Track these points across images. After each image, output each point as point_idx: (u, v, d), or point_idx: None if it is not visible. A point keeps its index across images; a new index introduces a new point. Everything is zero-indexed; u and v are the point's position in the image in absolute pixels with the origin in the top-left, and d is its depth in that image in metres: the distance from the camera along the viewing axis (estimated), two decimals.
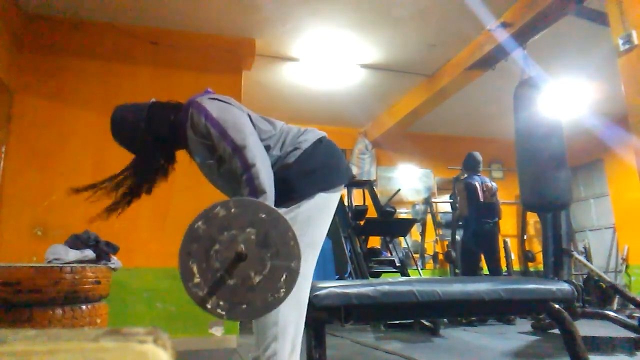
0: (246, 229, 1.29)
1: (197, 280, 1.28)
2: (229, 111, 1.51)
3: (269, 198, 1.40)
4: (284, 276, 1.28)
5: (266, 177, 1.42)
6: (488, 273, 4.99)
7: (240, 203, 1.34)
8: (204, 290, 1.28)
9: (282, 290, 1.27)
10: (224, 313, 1.29)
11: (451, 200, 5.84)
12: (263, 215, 1.31)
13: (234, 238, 1.28)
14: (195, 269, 1.28)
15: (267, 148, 1.53)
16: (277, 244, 1.30)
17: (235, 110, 1.53)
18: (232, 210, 1.30)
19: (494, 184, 5.16)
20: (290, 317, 1.40)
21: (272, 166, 1.50)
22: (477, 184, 4.97)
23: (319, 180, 1.53)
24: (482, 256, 5.03)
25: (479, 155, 5.19)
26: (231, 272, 1.28)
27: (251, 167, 1.41)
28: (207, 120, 1.49)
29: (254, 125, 1.54)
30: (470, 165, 5.13)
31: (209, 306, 1.28)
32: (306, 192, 1.50)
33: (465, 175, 5.24)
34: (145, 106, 1.71)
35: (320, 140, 1.59)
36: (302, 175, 1.51)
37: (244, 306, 1.28)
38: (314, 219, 1.50)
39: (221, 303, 1.28)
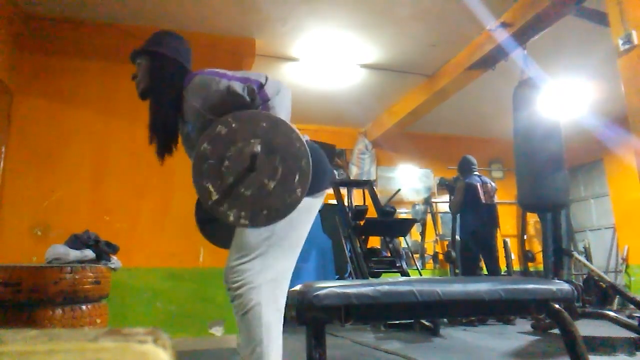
0: (250, 140, 1.31)
1: (215, 197, 1.30)
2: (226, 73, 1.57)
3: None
4: (297, 176, 1.32)
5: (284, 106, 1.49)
6: (487, 273, 4.99)
7: (239, 117, 1.36)
8: (223, 205, 1.30)
9: (298, 190, 1.31)
10: (247, 222, 1.32)
11: (449, 203, 5.84)
12: (264, 124, 1.34)
13: (240, 151, 1.30)
14: (211, 187, 1.31)
15: None
16: (283, 147, 1.32)
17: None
18: (233, 125, 1.32)
19: (493, 184, 5.16)
20: (272, 318, 1.41)
21: None
22: (478, 185, 4.97)
23: None
24: (481, 256, 5.03)
25: (472, 158, 5.21)
26: (245, 183, 1.30)
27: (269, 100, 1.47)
28: (218, 75, 1.55)
29: None
30: (466, 169, 5.16)
31: (231, 218, 1.31)
32: None
33: (461, 178, 5.25)
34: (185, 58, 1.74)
35: None
36: None
37: (265, 212, 1.32)
38: (295, 222, 1.50)
39: (242, 213, 1.31)
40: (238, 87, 1.49)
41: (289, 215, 1.45)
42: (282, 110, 1.50)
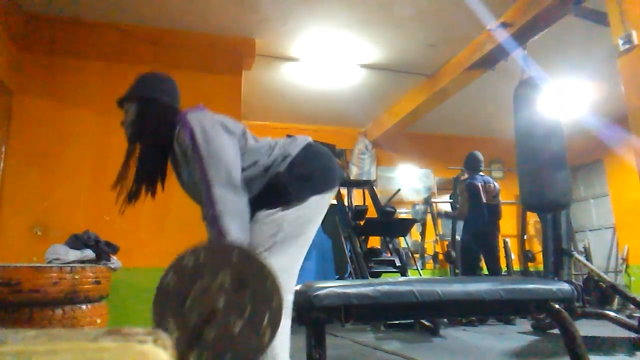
0: (218, 275, 1.24)
1: (175, 335, 1.24)
2: (213, 136, 1.49)
3: (237, 235, 1.38)
4: (267, 317, 1.23)
5: (233, 216, 1.40)
6: (488, 273, 4.99)
7: (209, 249, 1.29)
8: (183, 346, 1.24)
9: (266, 333, 1.22)
10: None
11: (451, 200, 5.84)
12: (234, 258, 1.27)
13: (207, 287, 1.23)
14: (172, 324, 1.23)
15: (255, 162, 1.54)
16: (253, 284, 1.25)
17: (220, 137, 1.50)
18: (201, 258, 1.26)
19: (496, 184, 5.15)
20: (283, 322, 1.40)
21: (262, 176, 1.52)
22: (479, 185, 4.96)
23: (311, 184, 1.54)
24: (482, 256, 5.03)
25: (479, 155, 5.18)
26: (210, 324, 1.23)
27: (216, 206, 1.39)
28: (191, 140, 1.48)
29: (236, 135, 1.54)
30: (472, 165, 5.12)
31: None
32: (300, 196, 1.51)
33: (466, 176, 5.23)
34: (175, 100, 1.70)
35: (309, 145, 1.62)
36: (294, 180, 1.53)
37: (229, 355, 1.24)
38: (305, 220, 1.52)
39: (203, 357, 1.23)
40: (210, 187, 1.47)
41: (296, 212, 1.47)
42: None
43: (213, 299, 1.23)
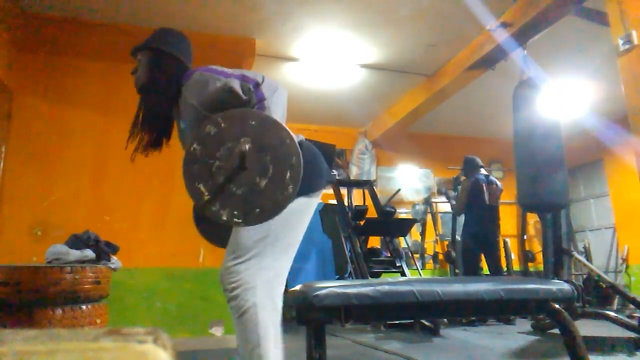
0: (240, 139, 1.31)
1: (207, 197, 1.31)
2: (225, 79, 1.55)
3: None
4: (288, 174, 1.32)
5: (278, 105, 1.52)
6: (489, 273, 4.98)
7: (227, 116, 1.36)
8: (215, 205, 1.30)
9: (289, 187, 1.32)
10: (240, 221, 1.33)
11: (452, 204, 5.84)
12: (253, 122, 1.34)
13: (230, 150, 1.31)
14: (202, 187, 1.31)
15: None
16: (273, 145, 1.33)
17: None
18: (222, 125, 1.33)
19: (499, 184, 5.14)
20: (269, 319, 1.41)
21: None
22: (484, 185, 4.96)
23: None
24: (483, 256, 5.03)
25: (476, 158, 5.19)
26: (237, 182, 1.31)
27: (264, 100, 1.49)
28: (216, 72, 1.54)
29: None
30: (470, 169, 5.13)
31: (224, 218, 1.32)
32: None
33: (462, 177, 5.23)
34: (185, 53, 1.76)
35: (299, 144, 1.59)
36: None
37: (258, 210, 1.32)
38: (291, 222, 1.51)
39: (235, 212, 1.32)
40: (235, 84, 1.49)
41: (285, 215, 1.44)
42: (278, 109, 1.51)
43: (238, 161, 1.30)
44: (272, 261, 1.46)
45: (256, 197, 1.32)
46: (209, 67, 1.60)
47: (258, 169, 1.32)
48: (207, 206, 1.32)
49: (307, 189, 1.51)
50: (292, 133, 1.58)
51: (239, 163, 1.31)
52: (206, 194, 1.32)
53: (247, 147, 1.31)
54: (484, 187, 4.94)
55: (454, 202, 5.39)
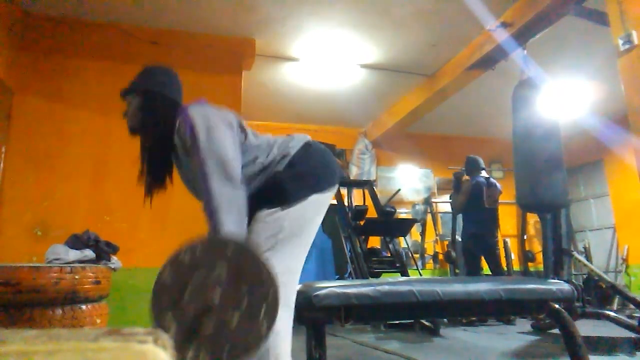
0: (215, 269, 1.25)
1: (172, 332, 1.25)
2: (214, 130, 1.49)
3: (232, 229, 1.38)
4: (264, 309, 1.24)
5: (229, 210, 1.40)
6: (490, 273, 4.98)
7: (204, 243, 1.30)
8: (182, 340, 1.25)
9: (263, 325, 1.23)
10: None
11: (451, 201, 5.83)
12: (229, 253, 1.28)
13: (203, 281, 1.24)
14: (170, 318, 1.24)
15: (255, 158, 1.54)
16: (249, 275, 1.26)
17: (221, 131, 1.50)
18: (197, 253, 1.27)
19: (499, 186, 5.13)
20: (281, 315, 1.40)
21: (260, 174, 1.52)
22: (484, 188, 4.96)
23: (311, 183, 1.54)
24: (483, 257, 5.03)
25: (479, 158, 5.19)
26: (207, 317, 1.24)
27: (212, 201, 1.39)
28: (190, 132, 1.49)
29: (235, 130, 1.55)
30: (473, 168, 5.13)
31: (189, 357, 1.25)
32: (300, 195, 1.50)
33: (465, 177, 5.23)
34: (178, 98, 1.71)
35: (308, 144, 1.60)
36: (293, 179, 1.52)
37: (227, 348, 1.25)
38: (306, 219, 1.51)
39: (202, 353, 1.24)
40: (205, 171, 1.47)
41: (298, 211, 1.46)
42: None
43: (210, 292, 1.24)
44: (284, 257, 1.45)
45: (226, 336, 1.25)
46: (198, 105, 1.57)
47: (231, 302, 1.26)
48: (174, 343, 1.25)
49: (319, 186, 1.53)
50: (299, 137, 1.59)
51: (211, 294, 1.26)
52: (174, 329, 1.26)
53: (221, 275, 1.26)
54: (484, 190, 4.94)
55: (456, 196, 5.37)
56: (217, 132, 1.48)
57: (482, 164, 5.17)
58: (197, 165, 1.45)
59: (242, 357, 1.29)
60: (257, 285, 1.27)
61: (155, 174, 1.67)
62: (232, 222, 1.39)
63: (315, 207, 1.54)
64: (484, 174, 5.16)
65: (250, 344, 1.26)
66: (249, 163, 1.53)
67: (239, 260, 1.28)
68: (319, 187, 1.53)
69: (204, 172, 1.43)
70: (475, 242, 4.90)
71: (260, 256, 1.29)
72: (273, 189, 1.51)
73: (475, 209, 4.90)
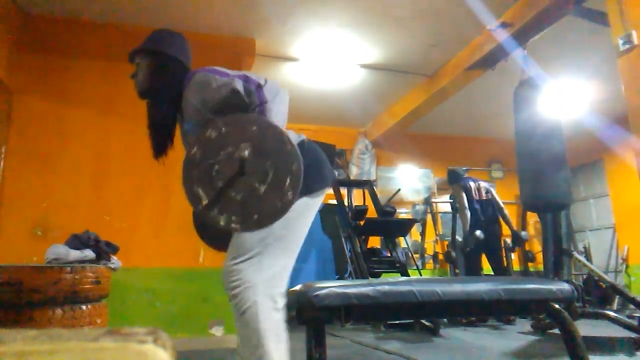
0: (240, 144, 1.30)
1: (205, 202, 1.30)
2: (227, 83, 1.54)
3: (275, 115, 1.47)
4: (288, 180, 1.31)
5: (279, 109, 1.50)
6: (492, 273, 4.97)
7: (229, 120, 1.35)
8: (213, 210, 1.30)
9: (289, 193, 1.31)
10: (238, 226, 1.32)
11: (451, 200, 5.84)
12: (254, 127, 1.33)
13: (230, 155, 1.30)
14: (201, 192, 1.30)
15: None
16: (273, 151, 1.32)
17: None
18: (223, 129, 1.32)
19: (482, 182, 5.16)
20: (270, 318, 1.41)
21: None
22: (471, 183, 5.00)
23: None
24: (485, 256, 5.02)
25: (457, 168, 5.26)
26: (236, 187, 1.30)
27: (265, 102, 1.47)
28: (218, 73, 1.53)
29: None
30: (454, 179, 5.18)
31: (222, 223, 1.31)
32: None
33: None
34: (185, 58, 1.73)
35: (301, 144, 1.57)
36: None
37: (256, 216, 1.32)
38: (293, 222, 1.49)
39: (233, 218, 1.31)
40: (238, 85, 1.48)
41: (287, 214, 1.44)
42: (279, 113, 1.51)
43: (237, 164, 1.30)
44: (273, 260, 1.45)
45: (255, 203, 1.31)
46: (210, 67, 1.59)
47: (258, 175, 1.31)
48: (204, 211, 1.31)
49: (309, 189, 1.51)
50: (294, 136, 1.57)
51: (239, 168, 1.30)
52: (205, 198, 1.31)
53: (247, 152, 1.30)
54: (472, 186, 4.97)
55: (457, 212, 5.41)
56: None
57: (462, 172, 5.22)
58: (246, 96, 1.50)
59: (269, 222, 1.36)
60: (282, 159, 1.33)
61: (161, 135, 1.66)
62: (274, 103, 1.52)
63: (305, 210, 1.53)
64: (467, 177, 5.20)
65: (277, 211, 1.33)
66: None
67: (264, 137, 1.33)
68: (308, 190, 1.50)
69: (260, 99, 1.49)
70: (476, 241, 4.90)
71: (284, 134, 1.33)
72: None
73: (470, 207, 4.91)
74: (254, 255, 1.43)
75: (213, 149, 1.32)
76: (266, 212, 1.32)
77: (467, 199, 4.94)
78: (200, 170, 1.31)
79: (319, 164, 1.59)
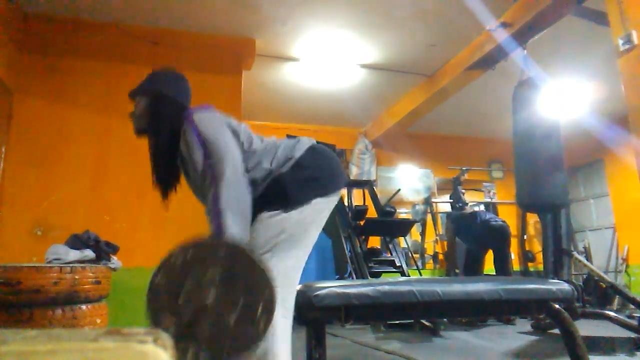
0: (207, 271, 1.24)
1: (170, 331, 1.24)
2: (220, 134, 1.51)
3: (235, 232, 1.39)
4: (260, 306, 1.24)
5: (234, 213, 1.40)
6: (495, 272, 4.97)
7: (196, 245, 1.29)
8: (181, 341, 1.24)
9: (261, 322, 1.23)
10: None
11: (451, 200, 5.84)
12: (222, 254, 1.26)
13: (197, 284, 1.23)
14: (167, 321, 1.23)
15: (258, 162, 1.53)
16: (244, 277, 1.25)
17: (227, 136, 1.53)
18: (189, 256, 1.25)
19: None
20: (279, 318, 1.40)
21: (264, 179, 1.51)
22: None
23: (314, 187, 1.53)
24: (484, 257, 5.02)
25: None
26: (205, 318, 1.24)
27: (219, 202, 1.40)
28: (198, 137, 1.50)
29: (241, 136, 1.56)
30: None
31: (189, 357, 1.24)
32: (302, 199, 1.50)
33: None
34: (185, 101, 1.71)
35: (313, 148, 1.60)
36: (297, 183, 1.52)
37: (226, 348, 1.25)
38: (307, 223, 1.51)
39: (201, 353, 1.24)
40: (196, 157, 1.49)
41: (300, 215, 1.45)
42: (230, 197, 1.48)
43: (205, 293, 1.24)
44: (283, 260, 1.45)
45: (225, 333, 1.25)
46: (203, 109, 1.58)
47: (227, 302, 1.25)
48: (173, 339, 1.24)
49: (323, 190, 1.53)
50: (306, 141, 1.59)
51: (206, 297, 1.25)
52: (171, 328, 1.26)
53: (216, 278, 1.25)
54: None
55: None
56: (224, 136, 1.50)
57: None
58: (205, 168, 1.46)
59: (241, 355, 1.30)
60: (253, 284, 1.26)
61: (162, 177, 1.66)
62: (237, 225, 1.40)
63: (318, 211, 1.54)
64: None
65: (250, 341, 1.26)
66: (254, 167, 1.53)
67: (233, 262, 1.27)
68: (322, 191, 1.53)
69: (212, 175, 1.44)
70: (478, 243, 4.90)
71: (254, 257, 1.28)
72: (276, 191, 1.50)
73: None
74: (263, 253, 1.43)
75: (178, 278, 1.27)
76: (238, 344, 1.26)
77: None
78: (164, 301, 1.27)
79: (332, 166, 1.61)
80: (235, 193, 1.43)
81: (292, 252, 1.48)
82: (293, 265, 1.49)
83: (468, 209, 5.19)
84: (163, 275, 1.27)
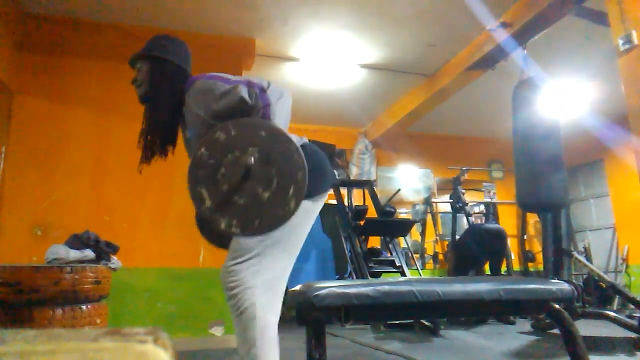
0: (248, 149, 1.30)
1: (208, 204, 1.30)
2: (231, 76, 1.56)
3: (278, 119, 1.45)
4: (292, 189, 1.31)
5: (282, 111, 1.47)
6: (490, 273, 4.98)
7: (238, 124, 1.35)
8: (216, 212, 1.30)
9: (291, 202, 1.31)
10: (238, 230, 1.32)
11: (451, 200, 5.84)
12: (263, 133, 1.32)
13: (237, 159, 1.30)
14: (205, 193, 1.30)
15: None
16: (280, 159, 1.32)
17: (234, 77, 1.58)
18: (232, 132, 1.32)
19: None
20: (267, 319, 1.41)
21: None
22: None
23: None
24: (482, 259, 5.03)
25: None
26: (240, 191, 1.30)
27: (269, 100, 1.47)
28: (220, 79, 1.54)
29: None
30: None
31: (222, 226, 1.31)
32: None
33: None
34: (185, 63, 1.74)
35: (303, 147, 1.55)
36: None
37: (257, 221, 1.31)
38: (293, 225, 1.49)
39: (234, 222, 1.31)
40: (242, 91, 1.48)
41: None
42: (282, 117, 1.50)
43: (244, 170, 1.29)
44: (272, 262, 1.46)
45: (257, 208, 1.31)
46: (212, 74, 1.59)
47: (262, 181, 1.30)
48: (207, 213, 1.31)
49: (311, 193, 1.50)
50: (296, 139, 1.58)
51: (244, 173, 1.30)
52: (208, 200, 1.31)
53: (254, 157, 1.30)
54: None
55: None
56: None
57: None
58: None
59: (269, 229, 1.37)
60: (287, 167, 1.32)
61: (161, 139, 1.66)
62: (281, 123, 1.47)
63: (305, 213, 1.52)
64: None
65: (279, 219, 1.33)
66: None
67: (272, 142, 1.33)
68: (310, 193, 1.48)
69: (261, 96, 1.48)
70: (476, 240, 4.91)
71: (292, 141, 1.33)
72: None
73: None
74: (254, 256, 1.43)
75: (221, 152, 1.31)
76: (267, 220, 1.31)
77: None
78: (206, 172, 1.31)
79: (320, 168, 1.58)
80: (285, 112, 1.51)
81: (281, 254, 1.49)
82: (282, 268, 1.50)
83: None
84: (207, 149, 1.32)
